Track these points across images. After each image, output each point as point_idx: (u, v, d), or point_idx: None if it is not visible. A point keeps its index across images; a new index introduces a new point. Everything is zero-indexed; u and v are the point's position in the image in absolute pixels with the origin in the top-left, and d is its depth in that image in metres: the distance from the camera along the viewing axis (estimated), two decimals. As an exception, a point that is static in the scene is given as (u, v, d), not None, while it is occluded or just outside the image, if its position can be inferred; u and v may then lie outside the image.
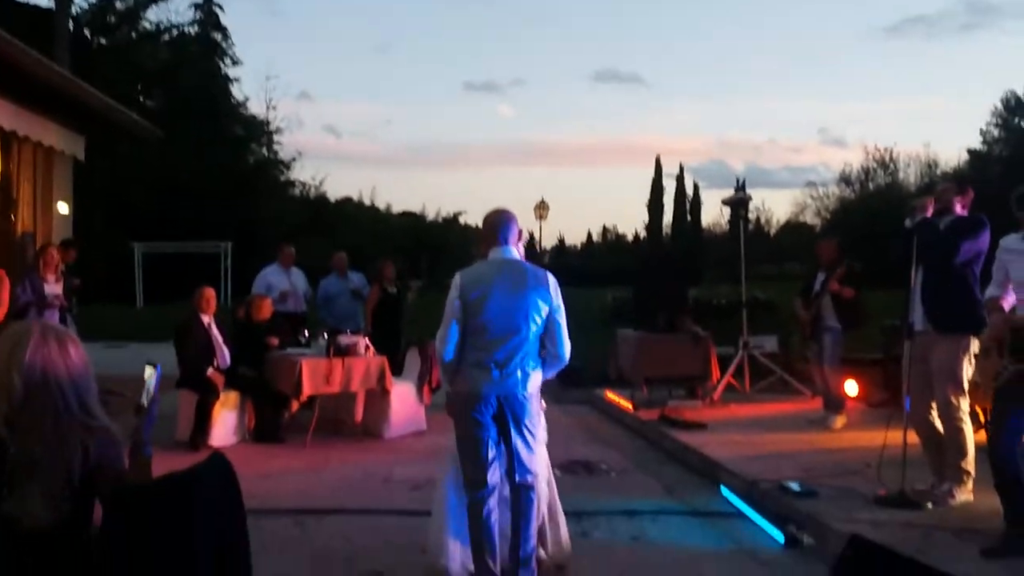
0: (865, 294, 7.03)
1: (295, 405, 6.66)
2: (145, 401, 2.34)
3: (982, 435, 4.76)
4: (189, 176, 25.29)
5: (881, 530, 3.95)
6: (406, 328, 8.68)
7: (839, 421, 6.72)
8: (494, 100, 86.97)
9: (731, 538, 4.35)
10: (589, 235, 63.32)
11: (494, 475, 3.42)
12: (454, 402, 3.48)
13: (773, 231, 47.37)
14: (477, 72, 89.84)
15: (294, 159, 33.12)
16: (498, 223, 3.50)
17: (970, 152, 36.44)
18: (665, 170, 47.74)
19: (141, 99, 27.62)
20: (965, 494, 4.41)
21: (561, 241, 57.93)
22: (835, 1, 73.19)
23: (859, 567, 2.93)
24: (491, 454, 3.40)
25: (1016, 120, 36.00)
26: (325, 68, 79.14)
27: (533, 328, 3.35)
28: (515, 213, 3.60)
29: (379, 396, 6.90)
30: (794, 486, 4.69)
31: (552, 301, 3.38)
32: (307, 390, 6.44)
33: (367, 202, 39.65)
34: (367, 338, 7.18)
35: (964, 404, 4.41)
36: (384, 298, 8.44)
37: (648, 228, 48.70)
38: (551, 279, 3.42)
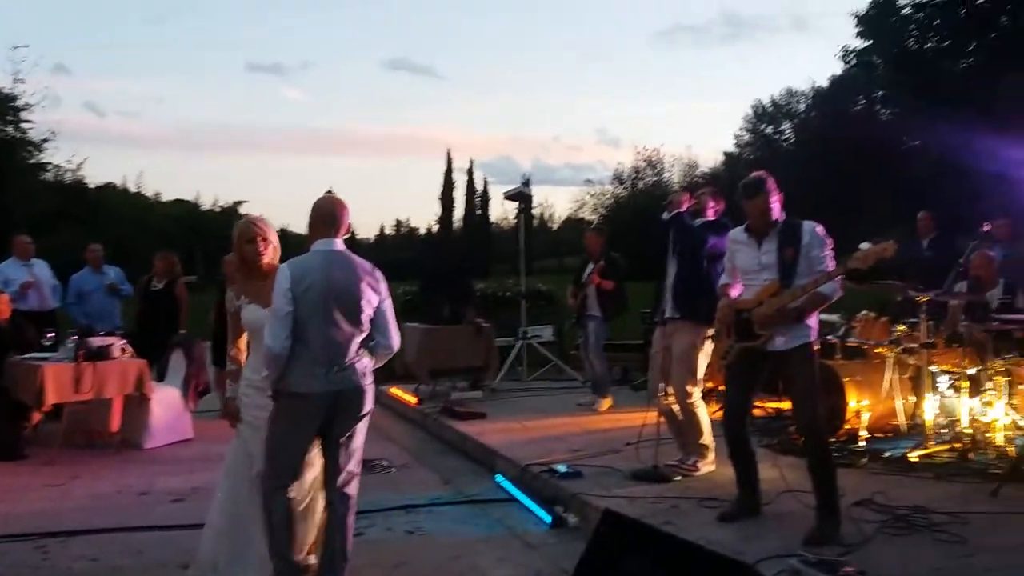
0: (628, 284, 7.58)
1: (37, 416, 5.98)
2: None
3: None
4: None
5: (635, 504, 4.29)
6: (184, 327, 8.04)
7: (605, 403, 7.19)
8: (280, 83, 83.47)
9: (503, 523, 4.50)
10: (382, 228, 62.80)
11: (302, 471, 3.31)
12: (283, 402, 3.24)
13: (556, 226, 49.76)
14: (262, 52, 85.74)
15: (46, 139, 29.50)
16: (328, 211, 3.36)
17: (726, 154, 40.62)
18: (456, 164, 48.48)
19: None
20: (707, 466, 4.90)
21: (352, 234, 56.95)
22: (613, 7, 78.00)
23: (612, 539, 3.18)
24: (309, 452, 3.31)
25: (763, 126, 40.49)
26: (85, 39, 71.62)
27: (366, 320, 3.29)
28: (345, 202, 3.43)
29: (138, 403, 6.36)
30: (561, 468, 4.95)
31: (381, 292, 3.34)
32: (51, 398, 5.81)
33: (133, 188, 36.44)
34: (125, 339, 6.60)
35: (696, 389, 4.89)
36: (147, 295, 7.80)
37: (440, 221, 49.21)
38: (377, 271, 3.38)
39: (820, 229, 3.91)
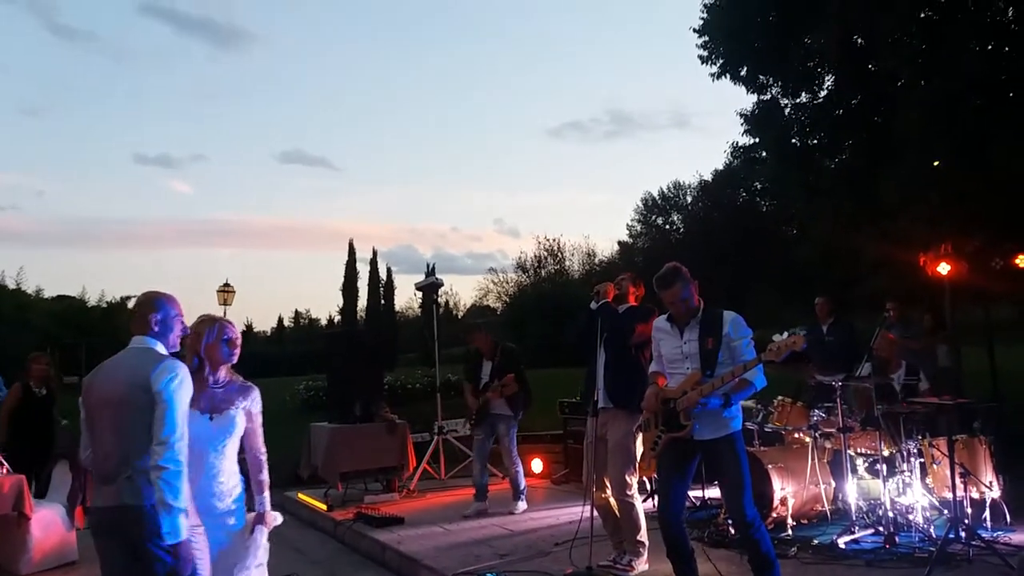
0: (538, 372, 7.31)
1: None
2: None
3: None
4: None
5: (573, 612, 4.07)
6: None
7: (524, 503, 6.84)
8: (170, 176, 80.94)
9: (432, 642, 4.18)
10: (280, 320, 61.10)
11: None
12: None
13: (461, 314, 49.73)
14: (149, 145, 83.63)
15: (-87, 233, 27.49)
16: (137, 308, 3.12)
17: (620, 244, 42.18)
18: (359, 254, 48.03)
19: None
20: (642, 564, 4.74)
21: (249, 327, 55.18)
22: (505, 103, 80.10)
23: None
24: None
25: (654, 217, 42.32)
26: (-44, 130, 68.00)
27: (134, 425, 2.81)
28: (175, 298, 3.15)
29: (15, 524, 5.69)
30: (492, 577, 4.68)
31: (154, 387, 2.82)
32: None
33: (11, 285, 34.15)
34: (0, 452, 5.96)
35: (634, 480, 4.76)
36: (28, 401, 7.11)
37: (342, 312, 48.25)
38: (166, 364, 2.88)
39: (740, 319, 3.94)
